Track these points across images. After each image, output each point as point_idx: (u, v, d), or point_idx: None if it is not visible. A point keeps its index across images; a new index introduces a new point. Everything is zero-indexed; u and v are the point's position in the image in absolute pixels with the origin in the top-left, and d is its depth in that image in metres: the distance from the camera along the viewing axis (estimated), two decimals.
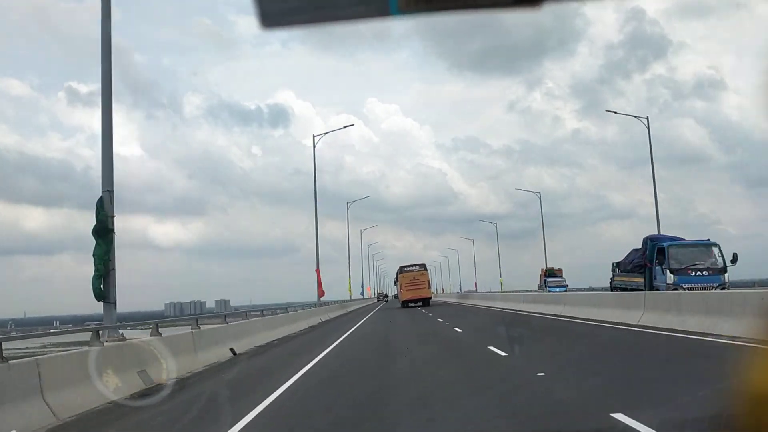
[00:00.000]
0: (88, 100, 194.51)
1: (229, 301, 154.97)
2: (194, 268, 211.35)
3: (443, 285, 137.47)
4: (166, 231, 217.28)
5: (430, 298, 54.33)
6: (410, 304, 50.15)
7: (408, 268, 53.29)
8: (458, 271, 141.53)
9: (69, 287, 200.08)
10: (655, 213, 36.36)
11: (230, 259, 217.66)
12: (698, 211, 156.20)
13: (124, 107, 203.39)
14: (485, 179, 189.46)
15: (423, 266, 53.88)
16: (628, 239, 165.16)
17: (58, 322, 64.78)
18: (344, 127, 46.13)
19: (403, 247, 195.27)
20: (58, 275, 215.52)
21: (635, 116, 39.44)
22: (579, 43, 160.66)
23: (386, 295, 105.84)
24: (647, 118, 38.10)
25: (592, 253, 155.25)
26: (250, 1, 1.26)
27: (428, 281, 53.51)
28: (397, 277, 57.73)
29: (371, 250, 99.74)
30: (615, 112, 44.43)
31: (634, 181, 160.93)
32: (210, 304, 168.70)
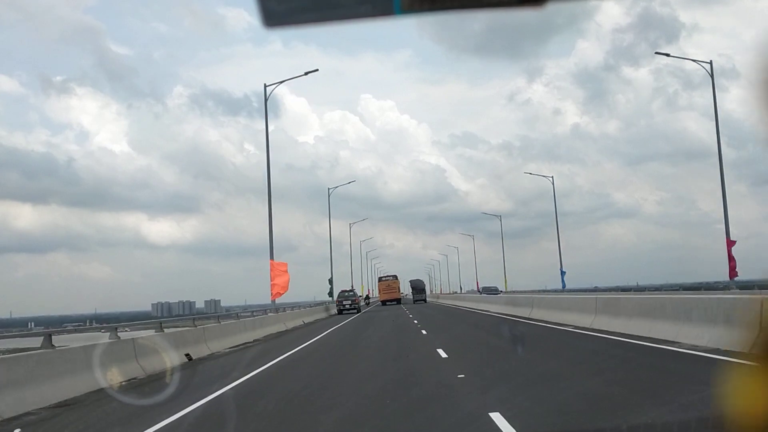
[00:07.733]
0: (63, 87, 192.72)
1: (219, 301, 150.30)
2: (184, 268, 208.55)
3: (450, 284, 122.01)
4: (160, 229, 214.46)
5: (400, 298, 73.03)
6: (387, 303, 69.06)
7: (385, 278, 76.74)
8: (458, 269, 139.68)
9: (62, 287, 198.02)
10: (723, 207, 32.03)
11: (223, 258, 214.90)
12: (701, 210, 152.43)
13: (108, 98, 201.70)
14: (485, 176, 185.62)
15: (395, 276, 75.74)
16: (630, 238, 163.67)
17: (32, 324, 65.17)
18: (305, 73, 35.12)
19: (402, 246, 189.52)
20: (50, 274, 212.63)
21: (695, 60, 33.01)
22: (585, 30, 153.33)
23: (367, 297, 76.70)
24: (710, 62, 31.81)
25: (594, 252, 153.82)
26: (253, 0, 1.26)
27: (398, 287, 74.13)
28: (378, 284, 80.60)
29: (366, 247, 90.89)
30: (668, 55, 39.03)
31: (636, 179, 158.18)
32: (199, 304, 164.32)
